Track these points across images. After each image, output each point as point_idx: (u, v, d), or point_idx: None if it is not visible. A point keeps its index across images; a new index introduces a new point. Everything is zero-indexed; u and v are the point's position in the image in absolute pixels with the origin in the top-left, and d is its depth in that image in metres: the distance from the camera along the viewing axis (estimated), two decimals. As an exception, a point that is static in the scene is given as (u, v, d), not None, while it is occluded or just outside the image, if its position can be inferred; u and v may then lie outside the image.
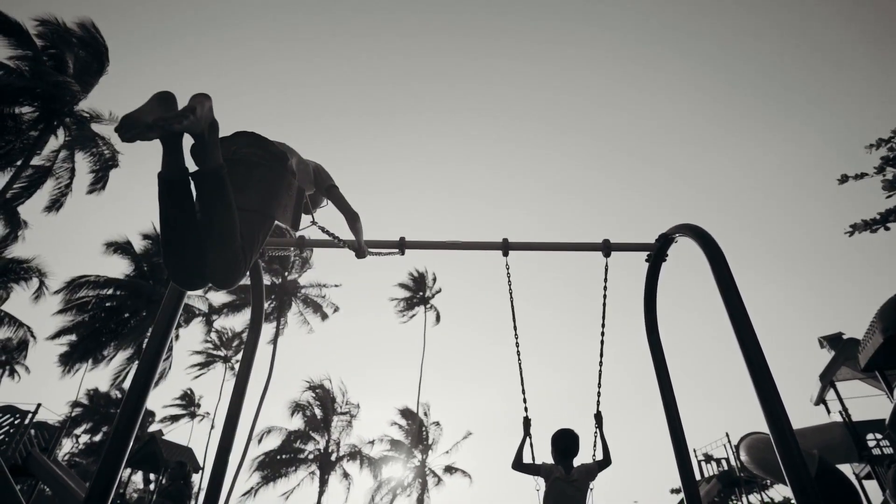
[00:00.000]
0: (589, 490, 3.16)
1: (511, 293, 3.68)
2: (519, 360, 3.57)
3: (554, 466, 3.22)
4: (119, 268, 22.60)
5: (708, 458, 17.00)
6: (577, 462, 3.25)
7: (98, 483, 2.21)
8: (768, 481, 15.96)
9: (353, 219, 2.94)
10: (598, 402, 3.45)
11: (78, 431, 34.14)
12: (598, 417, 3.41)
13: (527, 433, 3.34)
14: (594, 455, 3.36)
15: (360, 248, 3.26)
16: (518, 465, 3.29)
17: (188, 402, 36.51)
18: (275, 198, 2.26)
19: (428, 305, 32.39)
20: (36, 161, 17.88)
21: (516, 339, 3.59)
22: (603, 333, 3.56)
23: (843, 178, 7.26)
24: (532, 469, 3.31)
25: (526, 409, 3.40)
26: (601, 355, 3.51)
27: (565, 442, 3.25)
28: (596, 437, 3.38)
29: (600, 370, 3.49)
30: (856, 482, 10.50)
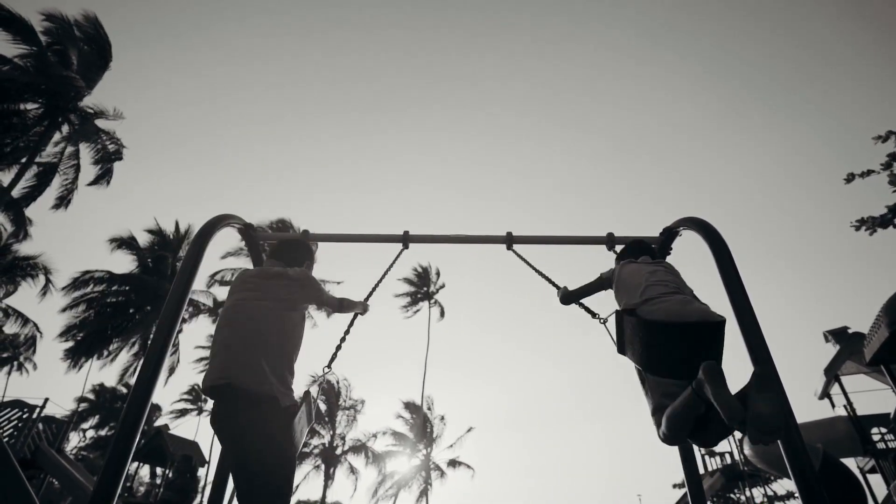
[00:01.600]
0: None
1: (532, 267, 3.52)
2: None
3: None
4: (124, 263, 22.76)
5: (711, 453, 17.02)
6: None
7: (106, 476, 2.23)
8: (772, 475, 15.96)
9: (340, 306, 2.85)
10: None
11: (85, 426, 34.47)
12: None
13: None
14: None
15: (363, 311, 3.13)
16: (568, 294, 2.77)
17: (196, 397, 36.73)
18: (283, 442, 2.05)
19: (432, 301, 32.45)
20: (40, 158, 17.96)
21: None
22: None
23: (850, 177, 7.15)
24: (591, 287, 2.70)
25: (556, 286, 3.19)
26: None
27: (639, 243, 2.81)
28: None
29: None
30: (860, 476, 10.48)
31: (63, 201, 18.88)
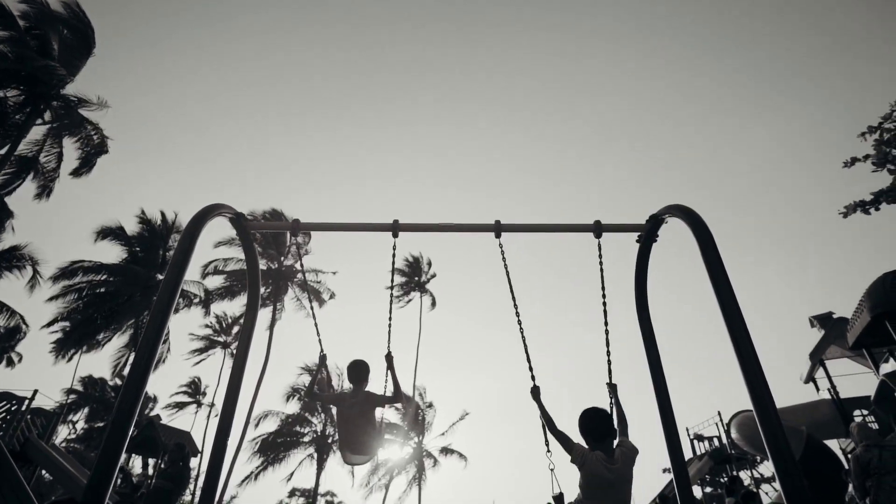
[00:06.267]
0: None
1: (507, 270, 3.70)
2: (521, 329, 3.48)
3: (589, 451, 2.75)
4: (112, 254, 22.44)
5: (700, 438, 17.33)
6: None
7: (101, 466, 2.23)
8: (758, 457, 16.28)
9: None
10: (610, 371, 3.41)
11: (73, 418, 34.21)
12: (612, 387, 3.31)
13: (538, 401, 3.09)
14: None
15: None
16: (555, 433, 2.89)
17: (194, 391, 36.51)
18: None
19: (423, 291, 32.47)
20: (23, 146, 17.59)
21: (517, 313, 3.56)
22: (605, 304, 3.58)
23: (851, 162, 7.16)
24: (565, 442, 2.80)
25: (533, 378, 3.26)
26: (606, 324, 3.50)
27: (596, 422, 2.83)
28: (612, 406, 3.21)
29: (607, 339, 3.45)
30: (842, 457, 10.74)
31: (45, 191, 18.56)
